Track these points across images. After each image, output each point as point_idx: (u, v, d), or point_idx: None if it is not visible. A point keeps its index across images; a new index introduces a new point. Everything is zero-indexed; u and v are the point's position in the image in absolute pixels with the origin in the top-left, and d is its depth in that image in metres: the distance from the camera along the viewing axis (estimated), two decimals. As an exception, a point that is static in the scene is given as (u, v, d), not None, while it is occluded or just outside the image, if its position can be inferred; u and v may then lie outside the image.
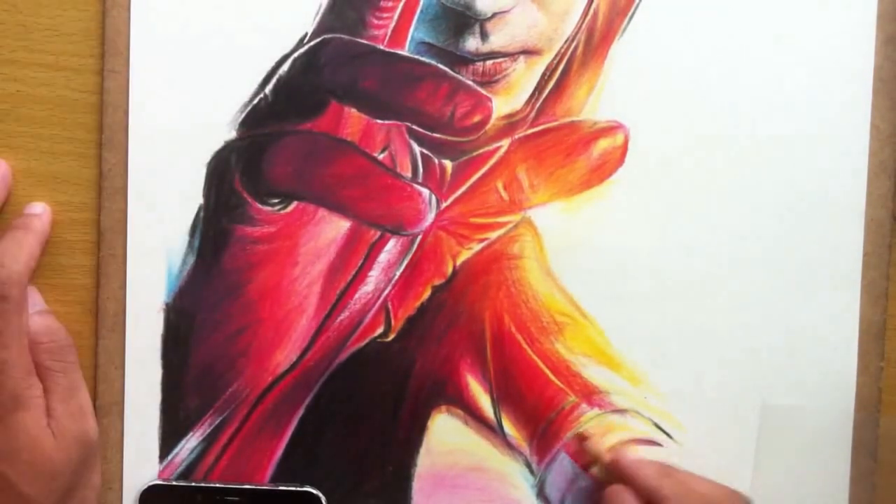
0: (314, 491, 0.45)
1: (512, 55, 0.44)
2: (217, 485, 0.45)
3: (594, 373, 0.45)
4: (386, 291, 0.45)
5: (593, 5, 0.44)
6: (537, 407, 0.45)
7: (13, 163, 0.44)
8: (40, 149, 0.44)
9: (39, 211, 0.43)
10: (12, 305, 0.40)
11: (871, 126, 0.45)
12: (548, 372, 0.45)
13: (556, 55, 0.44)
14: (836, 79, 0.45)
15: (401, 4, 0.44)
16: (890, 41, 0.45)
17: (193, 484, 0.45)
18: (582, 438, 0.45)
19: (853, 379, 0.46)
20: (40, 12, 0.44)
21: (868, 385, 0.46)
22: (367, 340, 0.45)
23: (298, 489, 0.45)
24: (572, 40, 0.44)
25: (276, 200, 0.44)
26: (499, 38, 0.44)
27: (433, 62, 0.44)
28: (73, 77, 0.44)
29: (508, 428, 0.45)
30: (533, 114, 0.45)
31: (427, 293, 0.45)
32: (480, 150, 0.45)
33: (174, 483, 0.45)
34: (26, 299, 0.41)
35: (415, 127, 0.44)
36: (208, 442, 0.45)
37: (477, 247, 0.45)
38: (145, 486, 0.45)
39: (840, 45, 0.45)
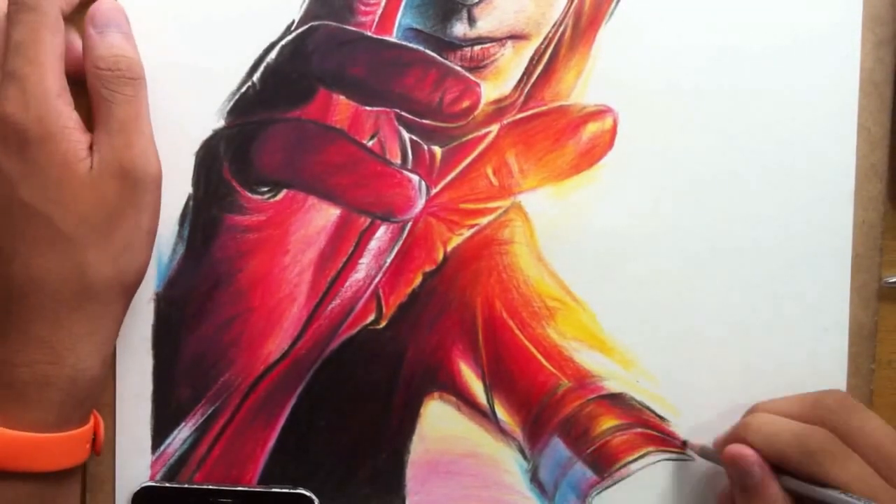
0: (307, 493, 0.45)
1: (500, 40, 0.44)
2: (209, 486, 0.45)
3: (586, 357, 0.45)
4: (377, 279, 0.45)
5: (580, -11, 0.45)
6: (530, 392, 0.45)
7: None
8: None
9: None
10: (41, 17, 0.39)
11: (862, 129, 0.45)
12: (540, 357, 0.45)
13: (544, 40, 0.44)
14: (823, 74, 0.45)
15: (388, -9, 0.44)
16: (881, 44, 0.45)
17: (186, 486, 0.45)
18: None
19: (844, 378, 0.46)
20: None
21: (860, 387, 0.46)
22: (358, 328, 0.45)
23: (291, 491, 0.45)
24: (560, 24, 0.44)
25: (266, 189, 0.44)
26: (486, 24, 0.44)
27: (421, 48, 0.44)
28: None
29: (501, 413, 0.45)
30: (521, 99, 0.45)
31: (418, 280, 0.45)
32: (469, 136, 0.45)
33: (167, 485, 0.45)
34: (60, 20, 0.40)
35: (404, 113, 0.44)
36: (201, 432, 0.45)
37: (467, 233, 0.45)
38: (138, 488, 0.45)
39: (827, 44, 0.45)
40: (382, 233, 0.45)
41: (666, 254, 0.45)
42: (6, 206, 0.39)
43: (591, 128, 0.45)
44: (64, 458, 0.40)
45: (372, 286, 0.45)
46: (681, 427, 0.46)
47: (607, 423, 0.45)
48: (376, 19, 0.44)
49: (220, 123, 0.44)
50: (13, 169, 0.39)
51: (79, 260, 0.39)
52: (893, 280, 0.45)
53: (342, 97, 0.44)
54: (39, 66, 0.39)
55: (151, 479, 0.45)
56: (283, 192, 0.44)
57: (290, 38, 0.44)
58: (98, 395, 0.42)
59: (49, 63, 0.39)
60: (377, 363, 0.45)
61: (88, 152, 0.40)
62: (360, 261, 0.45)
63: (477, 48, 0.44)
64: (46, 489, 0.40)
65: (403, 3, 0.44)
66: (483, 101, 0.44)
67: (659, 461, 0.46)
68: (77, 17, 0.42)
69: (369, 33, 0.44)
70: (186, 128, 0.44)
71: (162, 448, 0.45)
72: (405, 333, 0.45)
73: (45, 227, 0.39)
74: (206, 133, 0.44)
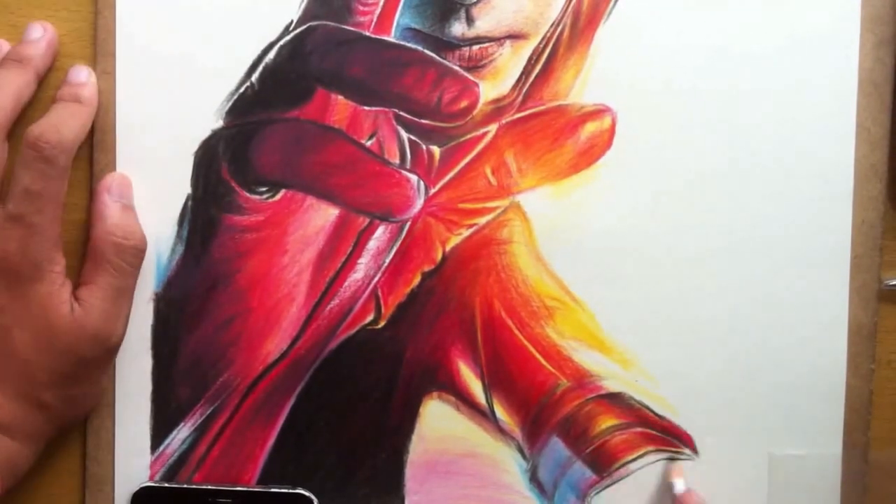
0: (306, 493, 0.45)
1: (498, 40, 0.44)
2: (208, 486, 0.45)
3: (585, 357, 0.45)
4: (376, 278, 0.45)
5: (579, -11, 0.45)
6: (529, 392, 0.45)
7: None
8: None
9: (85, 79, 0.43)
10: (57, 172, 0.41)
11: (862, 129, 0.45)
12: (539, 357, 0.45)
13: (543, 39, 0.44)
14: (822, 74, 0.45)
15: (386, -9, 0.44)
16: (881, 44, 0.45)
17: (185, 486, 0.45)
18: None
19: (843, 378, 0.46)
20: (32, 13, 0.44)
21: (859, 387, 0.46)
22: (357, 328, 0.45)
23: (290, 491, 0.45)
24: (558, 24, 0.44)
25: (264, 189, 0.44)
26: (485, 23, 0.44)
27: (419, 48, 0.44)
28: (65, 77, 0.44)
29: (500, 413, 0.45)
30: (520, 98, 0.45)
31: (417, 279, 0.45)
32: (468, 136, 0.45)
33: (166, 485, 0.45)
34: (69, 170, 0.41)
35: (402, 113, 0.44)
36: (200, 432, 0.45)
37: (466, 232, 0.45)
38: (137, 489, 0.45)
39: (826, 44, 0.45)
40: (381, 233, 0.45)
41: (665, 253, 0.45)
42: None
43: (590, 127, 0.45)
44: None
45: (371, 286, 0.45)
46: (680, 426, 0.46)
47: (606, 422, 0.45)
48: (374, 19, 0.44)
49: (219, 123, 0.44)
50: (1, 297, 0.41)
51: (35, 396, 0.41)
52: (894, 283, 0.45)
53: (340, 97, 0.44)
54: (46, 217, 0.41)
55: (151, 479, 0.45)
56: (282, 192, 0.44)
57: (288, 38, 0.44)
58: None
59: (55, 214, 0.41)
60: (376, 363, 0.45)
61: (70, 295, 0.42)
62: (359, 261, 0.45)
63: (475, 48, 0.44)
64: None
65: (402, 3, 0.44)
66: (481, 100, 0.44)
67: (658, 460, 0.46)
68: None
69: (368, 33, 0.44)
70: (185, 128, 0.44)
71: (161, 448, 0.45)
72: (404, 333, 0.45)
73: (16, 358, 0.41)
74: (205, 133, 0.44)
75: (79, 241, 0.44)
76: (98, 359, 0.43)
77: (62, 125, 0.41)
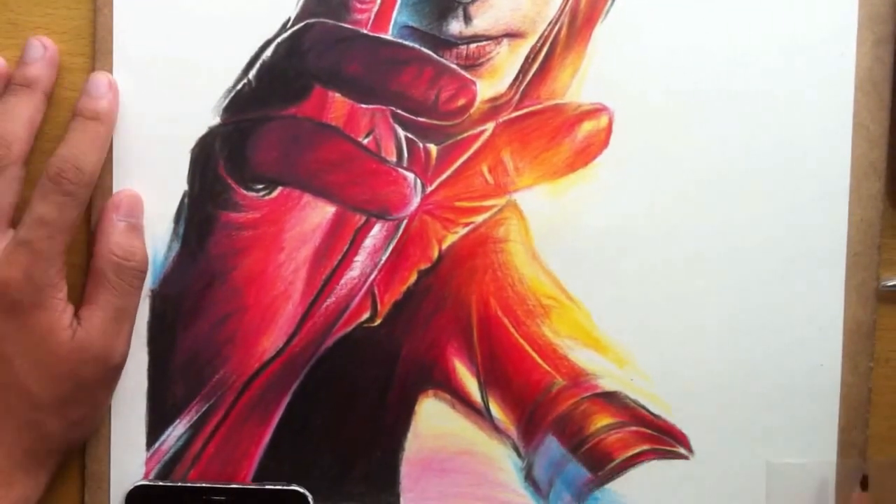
0: (301, 490, 0.45)
1: (495, 38, 0.44)
2: (203, 484, 0.45)
3: (581, 355, 0.45)
4: (372, 276, 0.45)
5: (576, -13, 0.45)
6: (524, 390, 0.45)
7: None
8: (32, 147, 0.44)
9: (105, 90, 0.43)
10: (76, 203, 0.41)
11: (861, 127, 0.45)
12: (534, 355, 0.45)
13: (540, 38, 0.44)
14: (820, 73, 0.45)
15: (384, -12, 0.44)
16: (880, 42, 0.45)
17: (180, 484, 0.45)
18: None
19: (839, 376, 0.46)
20: (32, 10, 0.44)
21: (857, 385, 0.46)
22: (353, 325, 0.45)
23: (285, 488, 0.45)
24: (555, 23, 0.44)
25: (261, 186, 0.44)
26: (482, 22, 0.44)
27: (417, 46, 0.44)
28: (65, 75, 0.44)
29: (496, 411, 0.45)
30: (517, 97, 0.45)
31: (413, 278, 0.45)
32: (465, 134, 0.45)
33: (161, 483, 0.45)
34: (88, 200, 0.42)
35: (399, 111, 0.44)
36: (195, 429, 0.45)
37: (462, 231, 0.45)
38: (132, 487, 0.45)
39: (823, 43, 0.45)
40: (377, 230, 0.45)
41: (661, 252, 0.45)
42: None
43: (587, 126, 0.45)
44: None
45: (367, 284, 0.45)
46: (675, 425, 0.46)
47: (601, 421, 0.45)
48: (372, 17, 0.44)
49: (216, 121, 0.44)
50: (3, 326, 0.41)
51: (38, 422, 0.41)
52: (891, 283, 0.45)
53: (337, 95, 0.44)
54: (55, 243, 0.41)
55: (146, 476, 0.45)
56: (279, 190, 0.44)
57: (285, 35, 0.44)
58: None
59: (64, 241, 0.41)
60: (372, 361, 0.45)
61: (72, 320, 0.42)
62: (355, 258, 0.45)
63: (473, 46, 0.44)
64: None
65: (399, 1, 0.44)
66: (478, 99, 0.44)
67: (653, 459, 0.46)
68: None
69: (365, 31, 0.44)
70: (182, 125, 0.44)
71: (157, 445, 0.45)
72: (400, 331, 0.45)
73: (18, 387, 0.41)
74: (202, 130, 0.44)
75: (77, 240, 0.44)
76: (100, 380, 0.43)
77: (82, 157, 0.41)
